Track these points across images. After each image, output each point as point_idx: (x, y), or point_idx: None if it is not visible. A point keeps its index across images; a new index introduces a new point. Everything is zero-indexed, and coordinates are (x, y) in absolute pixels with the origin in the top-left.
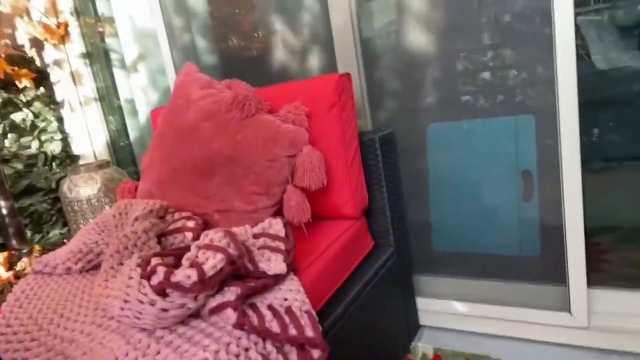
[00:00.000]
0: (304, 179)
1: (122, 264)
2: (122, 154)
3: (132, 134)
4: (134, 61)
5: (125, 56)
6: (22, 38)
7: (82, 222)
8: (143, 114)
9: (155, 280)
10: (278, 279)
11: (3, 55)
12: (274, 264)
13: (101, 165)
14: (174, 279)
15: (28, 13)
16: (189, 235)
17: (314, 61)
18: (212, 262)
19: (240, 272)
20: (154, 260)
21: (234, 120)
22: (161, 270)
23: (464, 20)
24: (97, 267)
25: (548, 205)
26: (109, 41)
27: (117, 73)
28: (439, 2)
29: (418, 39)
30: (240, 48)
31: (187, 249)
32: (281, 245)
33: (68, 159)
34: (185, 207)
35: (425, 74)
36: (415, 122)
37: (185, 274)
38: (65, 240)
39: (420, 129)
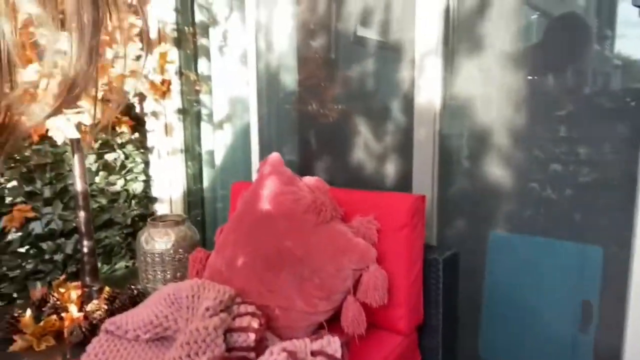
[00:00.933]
0: (366, 296)
1: (189, 356)
2: (193, 197)
3: (205, 182)
4: (221, 119)
5: (214, 113)
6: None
7: (150, 273)
8: (218, 166)
9: None
10: None
11: (110, 104)
12: None
13: (177, 222)
14: None
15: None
16: (252, 336)
17: (391, 167)
18: None
19: None
20: None
21: (309, 223)
22: None
23: (544, 158)
24: (163, 338)
25: (605, 337)
26: (203, 98)
27: (204, 126)
28: (518, 137)
29: (496, 170)
30: (322, 135)
31: (249, 349)
32: None
33: (146, 199)
34: (249, 295)
35: (498, 197)
36: (479, 234)
37: None
38: (133, 288)
39: (482, 240)
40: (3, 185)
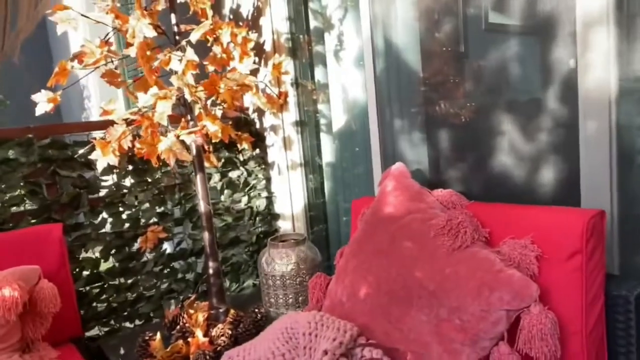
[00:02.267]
0: (530, 347)
1: None
2: (316, 211)
3: (328, 195)
4: (340, 127)
5: (334, 122)
6: (248, 102)
7: (272, 295)
8: (340, 178)
9: None
10: None
11: (230, 122)
12: None
13: (297, 243)
14: None
15: (256, 86)
16: None
17: (549, 173)
18: None
19: None
20: None
21: (443, 248)
22: None
23: None
24: None
25: None
26: (321, 107)
27: (324, 137)
28: None
29: None
30: (452, 135)
31: None
32: None
33: (269, 215)
34: (374, 333)
35: None
36: None
37: None
38: (257, 312)
39: None
40: (138, 208)
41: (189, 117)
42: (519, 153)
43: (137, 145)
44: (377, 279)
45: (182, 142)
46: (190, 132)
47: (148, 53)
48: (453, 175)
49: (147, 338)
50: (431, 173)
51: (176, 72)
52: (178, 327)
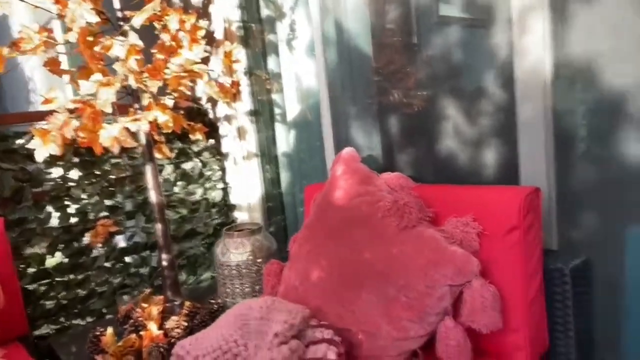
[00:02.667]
0: (472, 320)
1: None
2: (273, 202)
3: (284, 185)
4: (295, 117)
5: (288, 112)
6: (200, 91)
7: (229, 286)
8: (296, 168)
9: None
10: None
11: (182, 112)
12: None
13: (252, 232)
14: None
15: (208, 75)
16: None
17: (491, 155)
18: None
19: None
20: None
21: (390, 229)
22: None
23: None
24: None
25: None
26: (275, 97)
27: (278, 127)
28: None
29: (634, 149)
30: (405, 120)
31: None
32: None
33: (226, 207)
34: (327, 316)
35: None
36: (614, 233)
37: None
38: (213, 303)
39: (618, 240)
40: (86, 201)
41: (137, 107)
42: (464, 137)
43: (80, 133)
44: (329, 262)
45: (129, 131)
46: (135, 120)
47: (90, 39)
48: (403, 160)
49: (97, 334)
50: (383, 158)
51: (120, 59)
52: (131, 321)
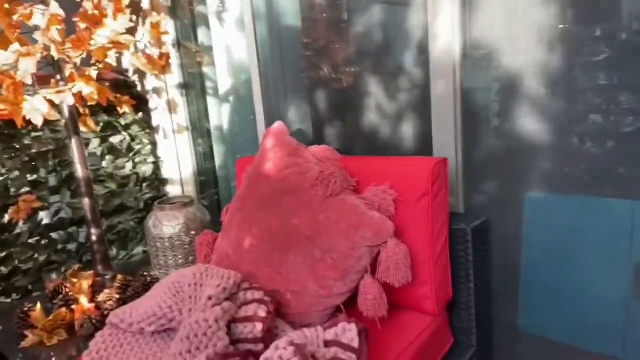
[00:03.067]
0: (387, 275)
1: (190, 351)
2: (206, 176)
3: (217, 159)
4: (227, 90)
5: (219, 85)
6: (127, 63)
7: (161, 258)
8: (229, 141)
9: None
10: None
11: (107, 84)
12: None
13: (185, 204)
14: None
15: (134, 45)
16: (259, 326)
17: (408, 129)
18: None
19: None
20: None
21: (317, 197)
22: None
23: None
24: (168, 329)
25: None
26: (206, 70)
27: (210, 100)
28: (553, 85)
29: (528, 124)
30: (332, 93)
31: (256, 340)
32: (353, 358)
33: (157, 181)
34: (257, 279)
35: (531, 155)
36: (512, 198)
37: None
38: (146, 275)
39: (516, 203)
40: (5, 176)
41: (58, 78)
42: (385, 112)
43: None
44: (260, 230)
45: (51, 103)
46: (58, 92)
47: (6, 6)
48: (331, 133)
49: (25, 309)
50: (312, 131)
51: (40, 28)
52: (60, 296)
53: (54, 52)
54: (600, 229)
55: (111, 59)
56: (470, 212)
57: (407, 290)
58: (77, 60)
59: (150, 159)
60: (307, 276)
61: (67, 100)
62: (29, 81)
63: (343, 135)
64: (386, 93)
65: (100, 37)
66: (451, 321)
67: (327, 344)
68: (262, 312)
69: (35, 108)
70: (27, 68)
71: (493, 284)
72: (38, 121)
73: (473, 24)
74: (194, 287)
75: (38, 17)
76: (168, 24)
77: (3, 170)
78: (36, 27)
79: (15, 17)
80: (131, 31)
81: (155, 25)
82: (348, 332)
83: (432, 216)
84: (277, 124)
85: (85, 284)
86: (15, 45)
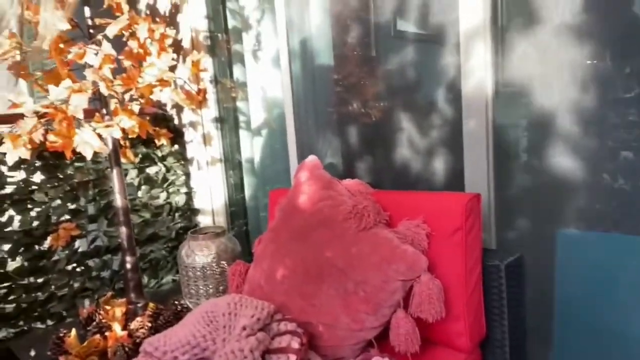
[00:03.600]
0: (420, 310)
1: None
2: (236, 207)
3: (247, 191)
4: (259, 125)
5: (252, 119)
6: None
7: (193, 287)
8: (259, 174)
9: None
10: None
11: (147, 117)
12: None
13: (217, 234)
14: None
15: (174, 82)
16: (293, 358)
17: (440, 165)
18: None
19: None
20: None
21: (350, 230)
22: None
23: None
24: (201, 359)
25: None
26: (240, 104)
27: (243, 134)
28: (585, 123)
29: (561, 161)
30: (363, 129)
31: None
32: None
33: (189, 211)
34: (290, 310)
35: (565, 192)
36: (545, 235)
37: None
38: (177, 304)
39: (549, 240)
40: (48, 204)
41: (104, 112)
42: (416, 147)
43: (51, 137)
44: (293, 262)
45: (100, 137)
46: (107, 126)
47: (61, 46)
48: (362, 167)
49: (61, 335)
50: (343, 165)
51: (91, 66)
52: (94, 323)
53: (103, 89)
54: (636, 266)
55: (155, 95)
56: (503, 249)
57: (441, 326)
58: (126, 97)
59: (184, 189)
60: (340, 309)
61: (114, 134)
62: (80, 116)
63: (374, 170)
64: (418, 129)
65: (149, 75)
66: (485, 359)
67: None
68: (295, 344)
69: (85, 141)
70: (79, 103)
71: (527, 322)
72: (88, 154)
73: (505, 62)
74: (228, 317)
75: (91, 56)
76: (207, 62)
77: (46, 199)
78: (85, 65)
79: (70, 56)
80: (172, 68)
81: (195, 64)
82: None
83: (465, 251)
84: (311, 158)
85: (119, 311)
86: (68, 82)
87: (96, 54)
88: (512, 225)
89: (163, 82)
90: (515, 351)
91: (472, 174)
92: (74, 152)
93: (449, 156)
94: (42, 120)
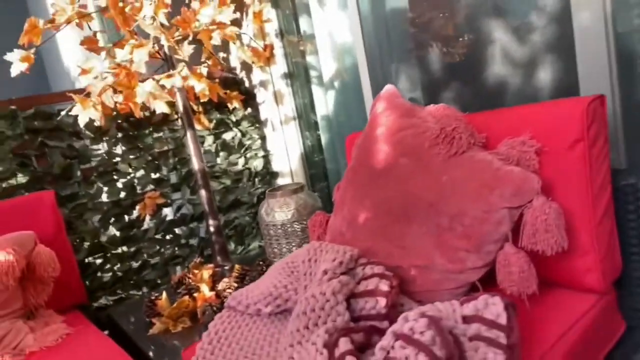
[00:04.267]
0: (535, 241)
1: (308, 327)
2: (315, 169)
3: (326, 151)
4: (332, 78)
5: (324, 73)
6: (235, 61)
7: (275, 245)
8: (336, 131)
9: None
10: None
11: (217, 81)
12: None
13: (295, 190)
14: None
15: (240, 38)
16: (382, 301)
17: (546, 77)
18: None
19: None
20: (343, 344)
21: (439, 158)
22: None
23: None
24: (285, 311)
25: None
26: (309, 59)
27: (316, 90)
28: None
29: None
30: (446, 59)
31: (379, 317)
32: (501, 338)
33: (268, 175)
34: (377, 255)
35: None
36: None
37: None
38: (262, 264)
39: None
40: (132, 175)
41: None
42: (513, 60)
43: (118, 99)
44: (375, 202)
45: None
46: (168, 76)
47: (120, 4)
48: (448, 96)
49: (153, 298)
50: (426, 99)
51: (151, 20)
52: (183, 286)
53: (164, 41)
54: None
55: (220, 54)
56: (637, 168)
57: (563, 263)
58: (187, 53)
59: (261, 153)
60: (434, 249)
61: (176, 83)
62: (143, 70)
63: (464, 96)
64: (513, 36)
65: (204, 16)
66: (622, 302)
67: (466, 319)
68: (384, 287)
69: (149, 92)
70: (140, 58)
71: None
72: (157, 107)
73: None
74: (309, 264)
75: (147, 7)
76: (270, 13)
77: (130, 170)
78: (148, 22)
79: (127, 9)
80: (236, 25)
81: (258, 15)
82: (492, 306)
83: (590, 168)
84: (388, 87)
85: (206, 274)
86: (130, 41)
87: (151, 4)
88: None
89: (221, 25)
90: None
91: (589, 79)
92: (149, 121)
93: (556, 62)
94: (110, 82)
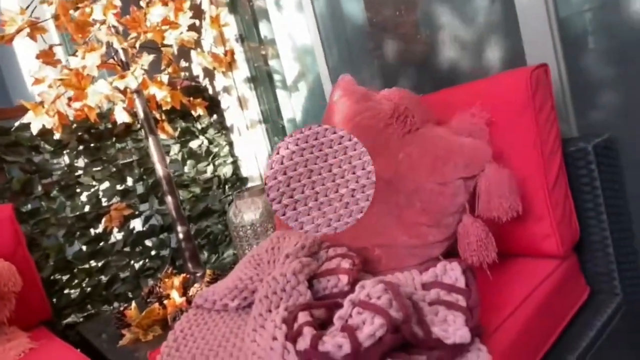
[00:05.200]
0: (489, 208)
1: (270, 310)
2: None
3: None
4: (295, 80)
5: (287, 76)
6: (197, 69)
7: (246, 247)
8: None
9: (301, 345)
10: (459, 349)
11: (179, 88)
12: (452, 328)
13: (263, 190)
14: (322, 347)
15: (199, 45)
16: (344, 278)
17: (493, 55)
18: (369, 330)
19: (406, 340)
20: (302, 317)
21: (394, 136)
22: (308, 334)
23: None
24: (252, 304)
25: None
26: (272, 63)
27: (280, 93)
28: None
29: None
30: (401, 52)
31: (342, 295)
32: (461, 301)
33: (238, 181)
34: (341, 240)
35: None
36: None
37: (335, 343)
38: (232, 266)
39: None
40: (96, 187)
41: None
42: (462, 41)
43: (76, 105)
44: None
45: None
46: (121, 76)
47: (71, 11)
48: (404, 83)
49: (122, 309)
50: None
51: (101, 25)
52: (152, 295)
53: (116, 44)
54: None
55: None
56: (588, 134)
57: (522, 231)
58: (146, 61)
59: (229, 159)
60: (395, 226)
61: (130, 84)
62: (95, 74)
63: (419, 80)
64: (460, 20)
65: (154, 15)
66: (585, 268)
67: (425, 286)
68: (346, 264)
69: (98, 92)
70: (93, 62)
71: (633, 215)
72: (117, 117)
73: None
74: (272, 252)
75: (97, 12)
76: (228, 19)
77: (94, 182)
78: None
79: (76, 13)
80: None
81: (215, 19)
82: (450, 271)
83: (539, 133)
84: (343, 76)
85: (177, 280)
86: (82, 47)
87: (100, 6)
88: (594, 104)
89: (173, 25)
90: (621, 251)
91: (533, 51)
92: (112, 132)
93: (502, 39)
94: (64, 87)
